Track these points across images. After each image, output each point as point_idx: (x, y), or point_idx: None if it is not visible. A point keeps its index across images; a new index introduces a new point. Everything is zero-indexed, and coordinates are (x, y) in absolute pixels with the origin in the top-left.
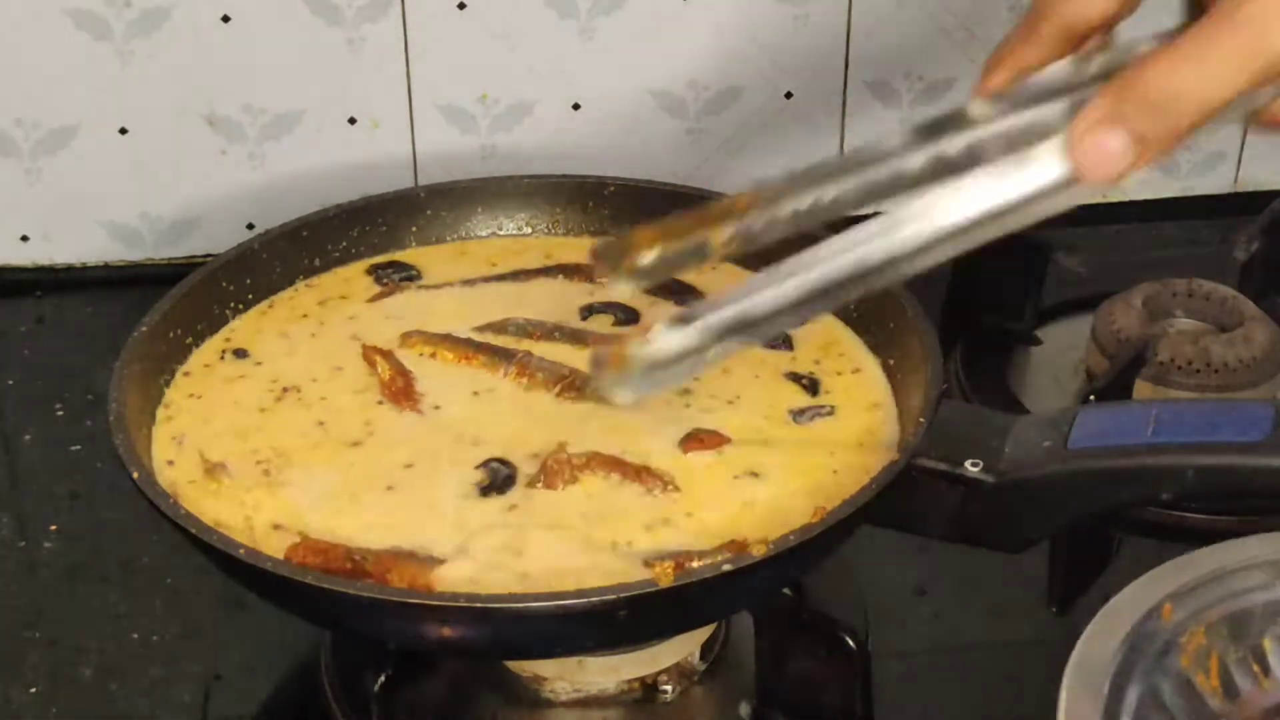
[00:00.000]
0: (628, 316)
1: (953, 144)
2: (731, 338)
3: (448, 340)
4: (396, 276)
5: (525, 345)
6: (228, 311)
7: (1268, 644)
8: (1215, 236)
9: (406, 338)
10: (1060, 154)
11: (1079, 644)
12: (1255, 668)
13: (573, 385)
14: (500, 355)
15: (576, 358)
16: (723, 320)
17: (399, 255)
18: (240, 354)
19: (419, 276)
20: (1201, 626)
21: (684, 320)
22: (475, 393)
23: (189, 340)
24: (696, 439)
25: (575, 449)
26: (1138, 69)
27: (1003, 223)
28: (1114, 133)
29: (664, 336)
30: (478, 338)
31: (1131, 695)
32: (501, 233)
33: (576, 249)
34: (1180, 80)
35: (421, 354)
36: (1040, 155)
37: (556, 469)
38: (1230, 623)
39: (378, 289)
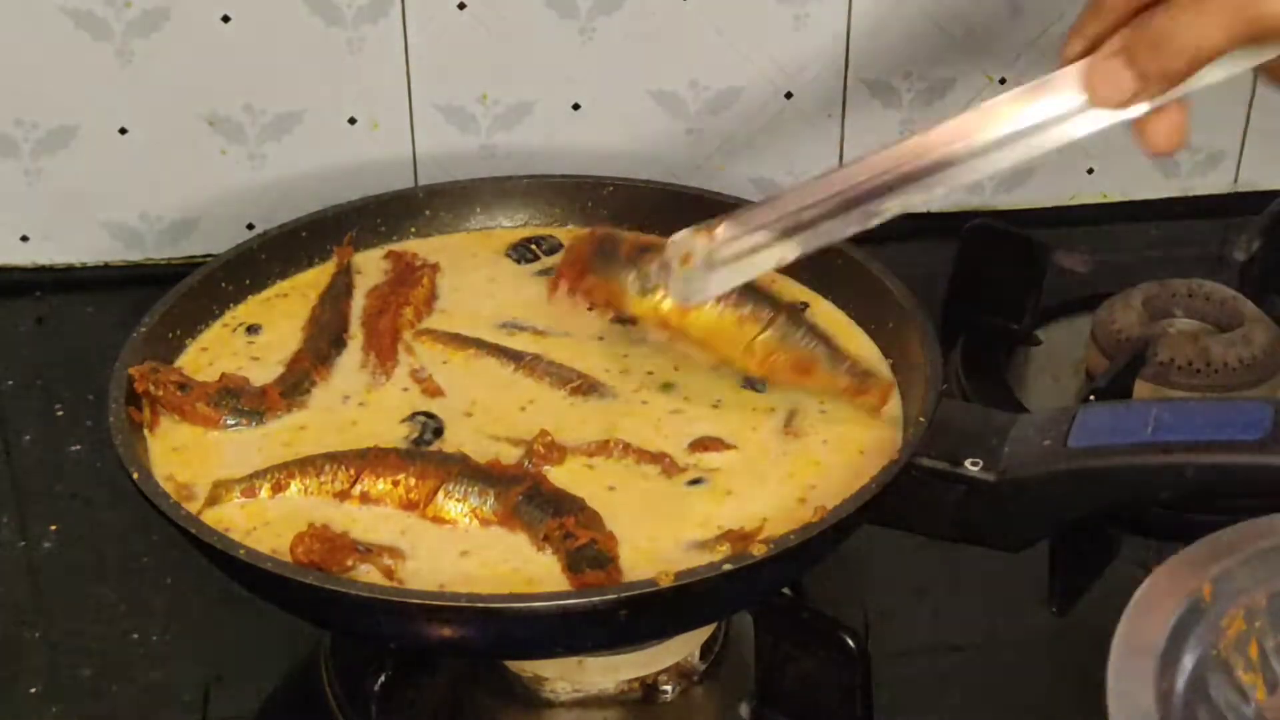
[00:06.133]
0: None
1: None
2: (788, 239)
3: (457, 340)
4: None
5: (534, 347)
6: (227, 312)
7: None
8: (1215, 236)
9: (418, 335)
10: (1078, 81)
11: (1121, 624)
12: None
13: (581, 390)
14: (509, 357)
15: (584, 361)
16: (780, 220)
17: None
18: (253, 330)
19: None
20: (1241, 610)
21: (744, 223)
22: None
23: (188, 340)
24: (702, 445)
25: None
26: (1148, 14)
27: (1029, 144)
28: (1120, 65)
29: (727, 232)
30: (488, 338)
31: (1180, 681)
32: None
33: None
34: (1177, 27)
35: (432, 350)
36: (1061, 81)
37: (544, 453)
38: (1271, 609)
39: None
